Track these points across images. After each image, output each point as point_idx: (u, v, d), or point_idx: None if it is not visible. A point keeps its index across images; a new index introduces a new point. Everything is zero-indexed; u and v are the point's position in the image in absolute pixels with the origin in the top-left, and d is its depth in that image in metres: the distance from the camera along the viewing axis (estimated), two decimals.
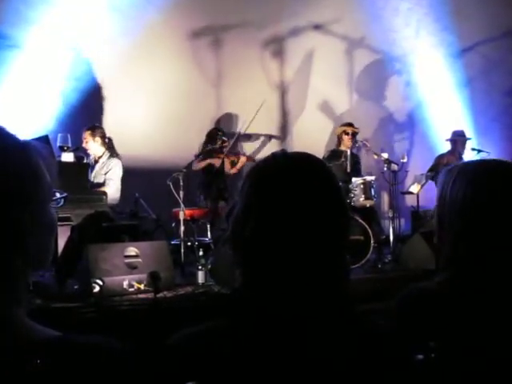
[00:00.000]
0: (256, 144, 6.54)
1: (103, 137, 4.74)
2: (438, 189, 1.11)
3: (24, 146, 0.72)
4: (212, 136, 5.38)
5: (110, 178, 4.62)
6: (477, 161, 1.12)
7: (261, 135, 6.52)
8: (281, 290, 0.81)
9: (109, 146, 4.77)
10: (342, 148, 5.32)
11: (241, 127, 6.17)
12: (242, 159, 5.39)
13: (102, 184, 4.60)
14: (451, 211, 1.06)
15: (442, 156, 5.95)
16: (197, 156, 4.99)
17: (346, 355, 0.79)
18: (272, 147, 6.34)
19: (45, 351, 0.64)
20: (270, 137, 6.60)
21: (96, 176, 4.67)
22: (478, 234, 1.02)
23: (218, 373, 0.77)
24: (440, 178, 1.11)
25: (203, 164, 5.26)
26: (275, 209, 0.82)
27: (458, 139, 5.92)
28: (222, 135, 5.26)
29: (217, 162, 5.19)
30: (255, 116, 4.85)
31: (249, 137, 6.37)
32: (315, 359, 0.78)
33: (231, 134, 5.62)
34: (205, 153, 5.16)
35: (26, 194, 0.69)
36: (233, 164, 5.38)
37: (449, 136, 6.06)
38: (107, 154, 4.73)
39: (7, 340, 0.64)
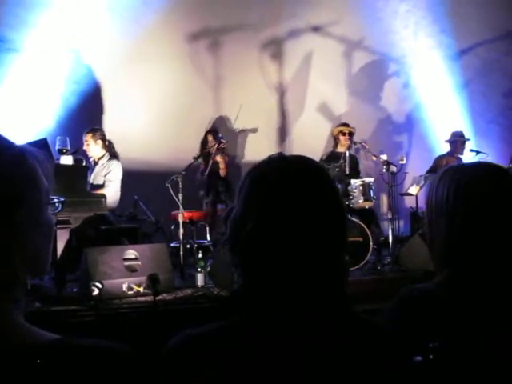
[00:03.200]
0: (254, 144, 6.52)
1: (104, 139, 4.75)
2: (427, 191, 1.12)
3: (20, 151, 0.72)
4: (206, 139, 5.51)
5: (109, 180, 4.62)
6: (460, 164, 1.14)
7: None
8: (280, 291, 0.82)
9: (109, 148, 4.78)
10: (340, 149, 5.32)
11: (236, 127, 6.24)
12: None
13: (102, 186, 4.59)
14: (437, 213, 1.07)
15: (441, 157, 5.94)
16: (195, 158, 4.97)
17: (345, 356, 0.80)
18: (270, 149, 6.34)
19: (44, 354, 0.64)
20: None
21: (95, 177, 4.67)
22: (463, 236, 1.03)
23: (218, 375, 0.78)
24: (429, 180, 1.13)
25: (207, 169, 5.19)
26: (273, 211, 0.82)
27: (457, 140, 5.92)
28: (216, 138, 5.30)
29: (219, 159, 5.21)
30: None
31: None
32: (315, 360, 0.78)
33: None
34: (203, 155, 5.16)
35: (23, 198, 0.69)
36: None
37: (447, 137, 6.07)
38: (107, 156, 4.74)
39: (5, 343, 0.64)
